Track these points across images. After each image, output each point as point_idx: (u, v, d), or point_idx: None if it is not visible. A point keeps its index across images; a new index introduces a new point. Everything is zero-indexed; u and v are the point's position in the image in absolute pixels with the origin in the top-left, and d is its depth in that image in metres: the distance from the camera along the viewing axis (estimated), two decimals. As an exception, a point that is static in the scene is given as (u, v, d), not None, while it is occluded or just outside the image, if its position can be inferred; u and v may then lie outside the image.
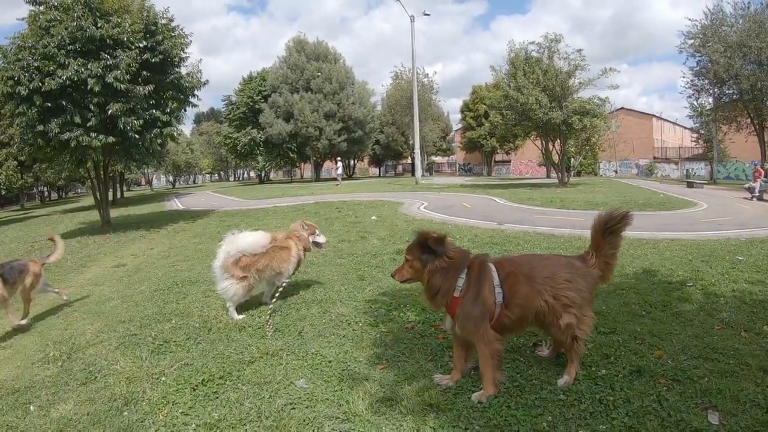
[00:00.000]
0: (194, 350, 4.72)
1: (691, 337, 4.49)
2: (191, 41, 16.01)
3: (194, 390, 3.88)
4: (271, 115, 49.20)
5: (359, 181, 48.38)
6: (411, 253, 3.58)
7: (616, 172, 57.68)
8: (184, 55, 15.81)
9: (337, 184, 37.01)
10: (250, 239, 5.76)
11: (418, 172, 37.64)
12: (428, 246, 3.50)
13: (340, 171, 41.76)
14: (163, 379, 4.13)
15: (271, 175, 70.63)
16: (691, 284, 6.26)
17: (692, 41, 35.05)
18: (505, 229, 11.33)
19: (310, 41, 52.63)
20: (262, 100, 51.31)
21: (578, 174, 50.18)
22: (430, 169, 66.18)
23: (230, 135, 53.35)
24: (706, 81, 35.68)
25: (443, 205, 17.51)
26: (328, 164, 62.86)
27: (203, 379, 4.01)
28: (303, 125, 47.70)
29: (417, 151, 37.70)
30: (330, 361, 4.22)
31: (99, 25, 13.61)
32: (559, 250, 8.50)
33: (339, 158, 47.11)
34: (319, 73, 49.14)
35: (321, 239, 6.35)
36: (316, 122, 47.71)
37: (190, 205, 26.30)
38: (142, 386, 4.01)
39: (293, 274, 6.12)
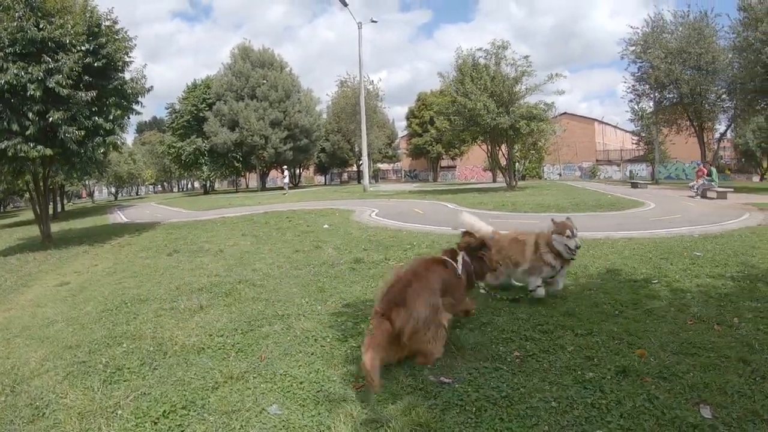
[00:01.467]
0: (151, 377, 4.41)
1: (668, 333, 4.63)
2: (136, 44, 15.43)
3: (155, 423, 3.59)
4: (215, 123, 48.72)
5: (306, 189, 48.25)
6: None
7: (560, 175, 60.31)
8: (128, 60, 15.18)
9: (284, 193, 36.73)
10: None
11: (366, 179, 37.79)
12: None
13: (286, 180, 41.52)
14: (120, 412, 3.80)
15: (216, 185, 69.52)
16: (656, 281, 6.48)
17: (634, 48, 37.10)
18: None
19: (255, 48, 52.64)
20: (207, 108, 50.77)
21: (523, 178, 51.79)
22: (376, 176, 67.24)
23: (174, 144, 52.50)
24: (647, 86, 37.60)
25: (395, 212, 17.56)
26: (273, 173, 62.36)
27: (164, 411, 3.73)
28: (248, 134, 47.53)
29: (365, 157, 37.97)
30: (301, 383, 4.00)
31: (41, 26, 12.94)
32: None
33: (285, 167, 46.81)
34: (265, 81, 49.09)
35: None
36: (261, 130, 47.58)
37: (134, 217, 25.46)
38: (97, 422, 3.68)
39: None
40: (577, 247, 5.44)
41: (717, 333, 4.56)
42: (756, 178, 49.67)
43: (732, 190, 23.17)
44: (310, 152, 55.02)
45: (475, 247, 4.96)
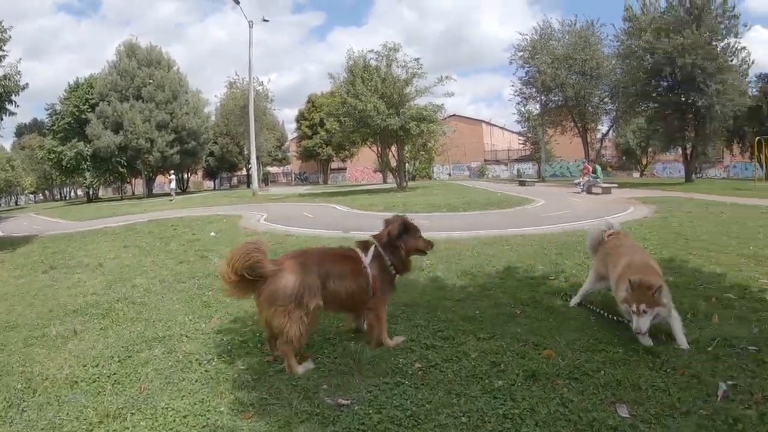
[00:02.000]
0: (19, 422, 3.63)
1: (573, 331, 4.53)
2: (10, 37, 13.79)
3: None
4: (98, 125, 45.21)
5: (194, 195, 46.17)
6: None
7: (449, 175, 62.55)
8: (1, 54, 13.62)
9: (171, 200, 34.97)
10: None
11: (255, 183, 37.11)
12: None
13: (173, 185, 39.66)
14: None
15: (101, 193, 64.68)
16: (553, 277, 6.50)
17: (522, 53, 40.02)
18: (354, 236, 11.14)
19: (142, 46, 49.38)
20: (90, 110, 46.89)
21: (413, 178, 53.24)
22: (266, 179, 65.99)
23: (54, 149, 47.96)
24: (534, 89, 40.27)
25: (284, 216, 17.11)
26: (160, 179, 59.19)
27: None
28: (133, 136, 44.58)
29: (253, 160, 37.12)
30: (185, 416, 3.46)
31: None
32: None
33: (172, 171, 44.56)
34: (151, 80, 46.38)
35: None
36: (147, 133, 44.80)
37: (10, 230, 22.88)
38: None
39: None
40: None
41: (621, 327, 4.49)
42: (636, 174, 54.12)
43: (616, 185, 24.84)
44: (198, 156, 52.81)
45: (396, 235, 4.46)
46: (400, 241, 4.41)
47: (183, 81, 50.19)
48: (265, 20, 38.36)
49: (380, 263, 4.35)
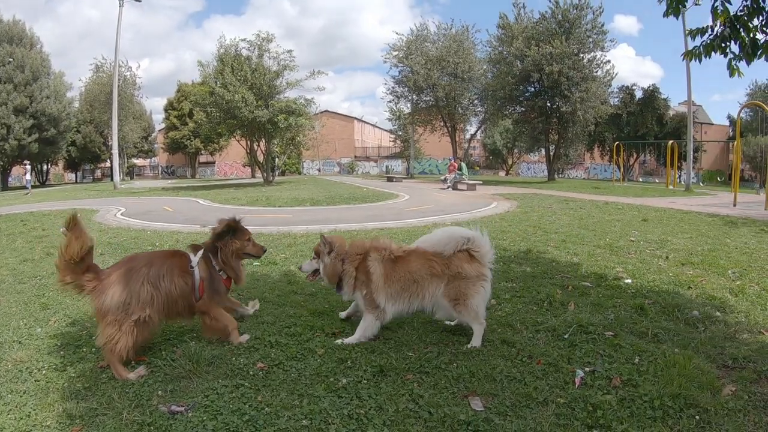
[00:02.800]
0: None
1: (423, 323, 4.39)
2: None
3: None
4: None
5: (53, 188, 42.19)
6: None
7: (319, 170, 62.64)
8: None
9: (27, 193, 31.58)
10: None
11: (116, 175, 34.73)
12: None
13: (28, 177, 35.92)
14: None
15: None
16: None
17: (397, 53, 40.44)
18: (210, 231, 10.51)
19: (4, 20, 43.47)
20: None
21: (283, 173, 52.97)
22: (131, 172, 62.38)
23: None
24: (406, 88, 40.86)
25: (143, 210, 15.97)
26: (17, 169, 53.38)
27: None
28: (-14, 122, 39.53)
29: (115, 152, 34.72)
30: None
31: None
32: (269, 248, 7.94)
33: (27, 162, 40.25)
34: (11, 59, 41.24)
35: None
36: (3, 118, 39.95)
37: None
38: None
39: None
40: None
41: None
42: (502, 173, 57.82)
43: (481, 182, 26.01)
44: (59, 145, 47.79)
45: (218, 236, 4.22)
46: (224, 243, 4.18)
47: (46, 61, 45.31)
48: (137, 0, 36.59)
49: (207, 265, 4.12)
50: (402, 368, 3.43)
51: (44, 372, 3.79)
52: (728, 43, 4.92)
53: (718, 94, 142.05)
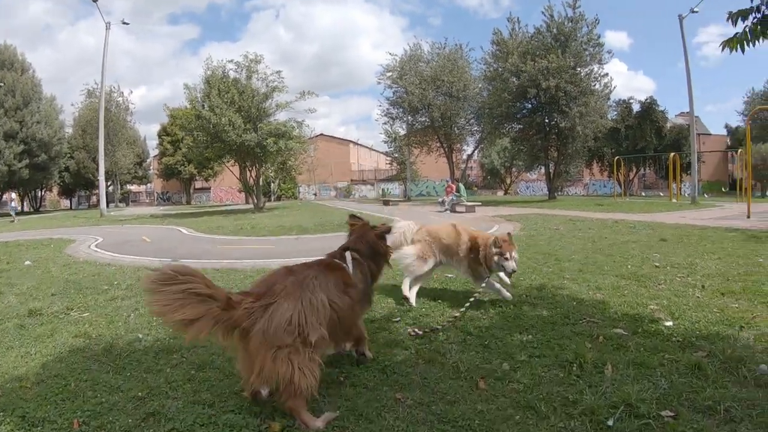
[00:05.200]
0: None
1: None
2: None
3: None
4: None
5: (44, 215, 41.34)
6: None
7: (315, 195, 62.15)
8: None
9: (12, 220, 30.56)
10: None
11: (103, 202, 34.19)
12: None
13: (14, 204, 35.26)
14: None
15: None
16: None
17: (391, 74, 39.95)
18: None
19: None
20: None
21: (279, 198, 52.69)
22: (126, 199, 62.24)
23: None
24: (401, 109, 40.28)
25: (120, 241, 14.92)
26: (11, 196, 52.74)
27: None
28: (-25, 147, 39.19)
29: (101, 178, 34.28)
30: None
31: None
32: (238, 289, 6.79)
33: (13, 192, 39.63)
34: (2, 84, 41.30)
35: None
36: None
37: None
38: None
39: None
40: None
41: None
42: (501, 193, 57.13)
43: (480, 204, 25.07)
44: (50, 171, 47.55)
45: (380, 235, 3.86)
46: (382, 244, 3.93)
47: (37, 86, 45.42)
48: (125, 23, 36.47)
49: (362, 271, 3.62)
50: None
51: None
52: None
53: (711, 105, 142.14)
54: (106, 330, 4.94)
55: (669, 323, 4.59)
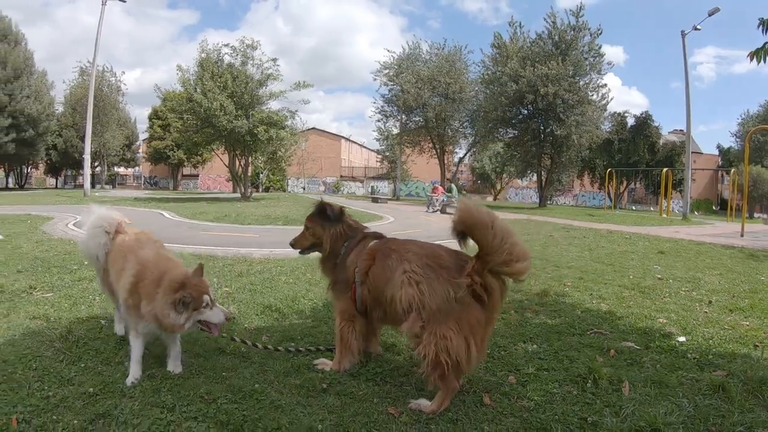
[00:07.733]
0: None
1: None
2: None
3: None
4: None
5: (28, 192, 40.31)
6: (311, 221, 3.64)
7: (304, 188, 61.55)
8: None
9: None
10: None
11: (87, 183, 33.35)
12: (327, 213, 3.54)
13: None
14: None
15: None
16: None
17: (387, 71, 39.45)
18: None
19: None
20: None
21: (267, 190, 51.95)
22: (113, 181, 61.19)
23: None
24: (396, 107, 39.91)
25: (98, 222, 14.24)
26: None
27: None
28: (-38, 119, 37.94)
29: (87, 157, 33.27)
30: None
31: None
32: (212, 278, 6.33)
33: None
34: None
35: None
36: None
37: None
38: None
39: None
40: None
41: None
42: (490, 198, 56.59)
43: (471, 207, 24.41)
44: (37, 147, 46.08)
45: None
46: None
47: (29, 59, 43.92)
48: (122, 0, 35.12)
49: None
50: None
51: None
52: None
53: (703, 125, 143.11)
54: (68, 313, 4.47)
55: (682, 339, 4.27)
